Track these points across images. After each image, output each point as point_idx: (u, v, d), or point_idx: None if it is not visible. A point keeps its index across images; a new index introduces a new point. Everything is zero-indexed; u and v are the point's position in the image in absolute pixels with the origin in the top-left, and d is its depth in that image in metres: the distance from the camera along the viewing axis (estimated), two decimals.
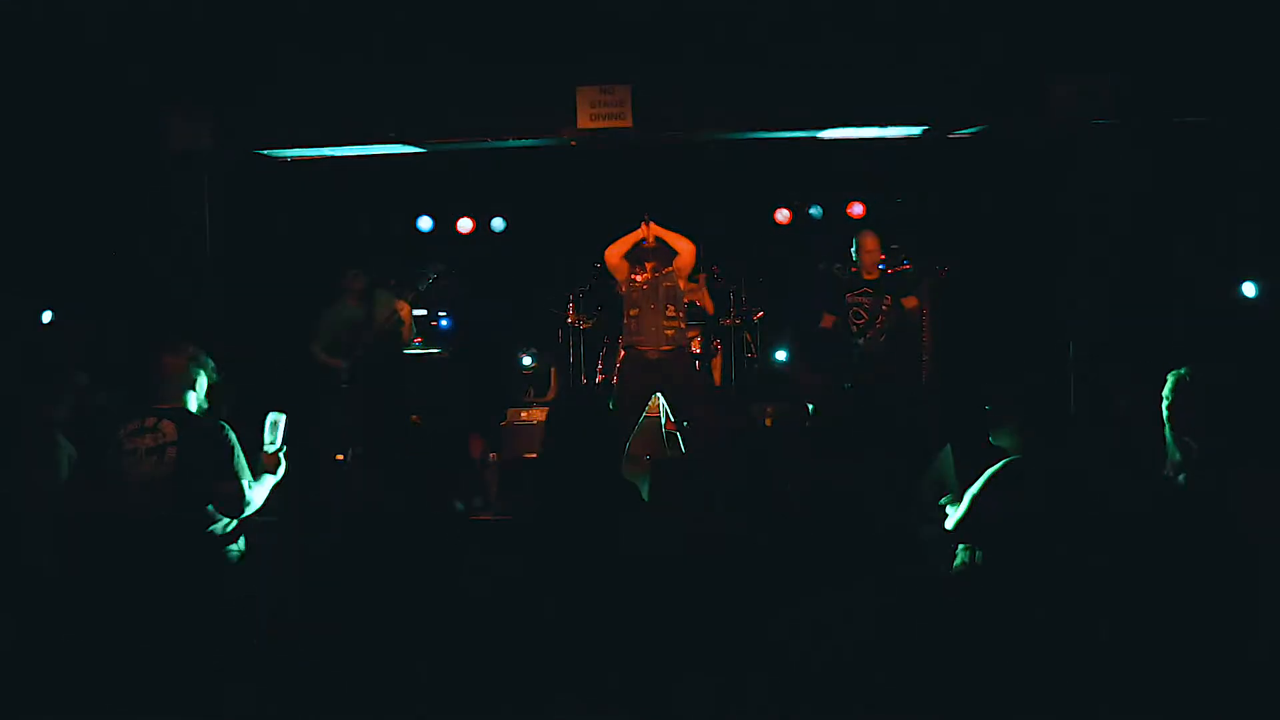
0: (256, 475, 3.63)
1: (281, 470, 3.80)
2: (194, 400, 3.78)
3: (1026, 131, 5.58)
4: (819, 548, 3.36)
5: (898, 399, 6.42)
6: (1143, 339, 5.13)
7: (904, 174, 8.55)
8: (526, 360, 9.23)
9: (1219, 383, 3.35)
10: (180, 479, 3.31)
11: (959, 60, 5.37)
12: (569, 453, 3.66)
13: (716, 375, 8.86)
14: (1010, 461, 3.45)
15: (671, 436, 6.66)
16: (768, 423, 6.64)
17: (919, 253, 7.28)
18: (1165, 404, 3.42)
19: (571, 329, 8.87)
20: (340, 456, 6.02)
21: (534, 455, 6.83)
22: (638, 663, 3.46)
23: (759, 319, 8.93)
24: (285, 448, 3.80)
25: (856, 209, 8.77)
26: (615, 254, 6.30)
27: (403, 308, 6.52)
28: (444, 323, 8.73)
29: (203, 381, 3.79)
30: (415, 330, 8.06)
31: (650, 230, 6.22)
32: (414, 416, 7.43)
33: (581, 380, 8.72)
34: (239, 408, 4.51)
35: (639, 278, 6.30)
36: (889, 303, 6.40)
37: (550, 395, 8.79)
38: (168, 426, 3.40)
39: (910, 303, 6.38)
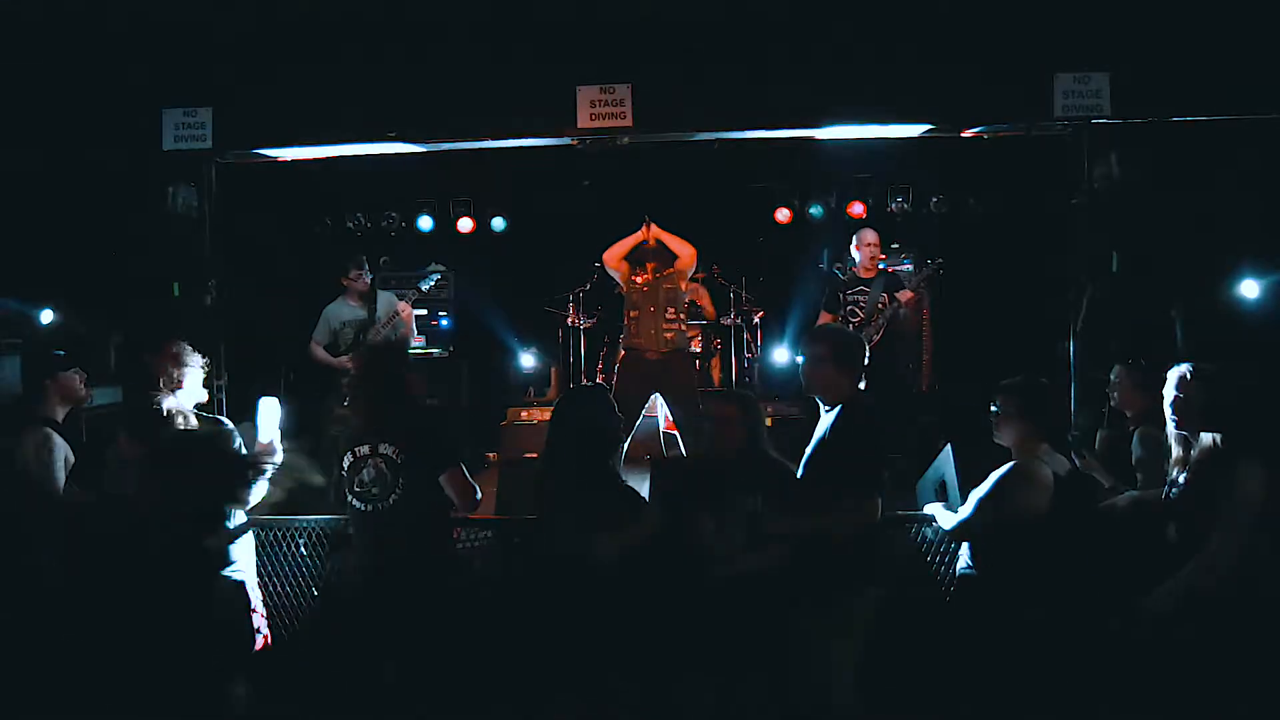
0: (255, 465, 3.64)
1: (279, 457, 3.79)
2: (189, 399, 3.78)
3: (1026, 131, 5.57)
4: (820, 548, 3.36)
5: (898, 398, 6.44)
6: (1143, 339, 5.12)
7: (904, 174, 8.56)
8: (526, 360, 9.23)
9: (1221, 378, 3.35)
10: (184, 478, 3.30)
11: (959, 59, 5.36)
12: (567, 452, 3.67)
13: (716, 375, 8.87)
14: (1016, 464, 3.44)
15: (671, 437, 6.66)
16: (768, 422, 6.63)
17: (918, 252, 7.29)
18: (1168, 400, 3.42)
19: (571, 329, 8.88)
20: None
21: (534, 455, 6.83)
22: (637, 663, 3.46)
23: (759, 319, 8.94)
24: (280, 434, 3.80)
25: (856, 209, 8.78)
26: (615, 255, 6.30)
27: (404, 309, 6.52)
28: (444, 323, 8.74)
29: (196, 378, 3.79)
30: (415, 330, 8.08)
31: (651, 233, 6.22)
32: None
33: (581, 379, 8.73)
34: (239, 408, 4.52)
35: (639, 279, 6.30)
36: (886, 301, 6.41)
37: (550, 395, 8.80)
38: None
39: (905, 296, 6.38)
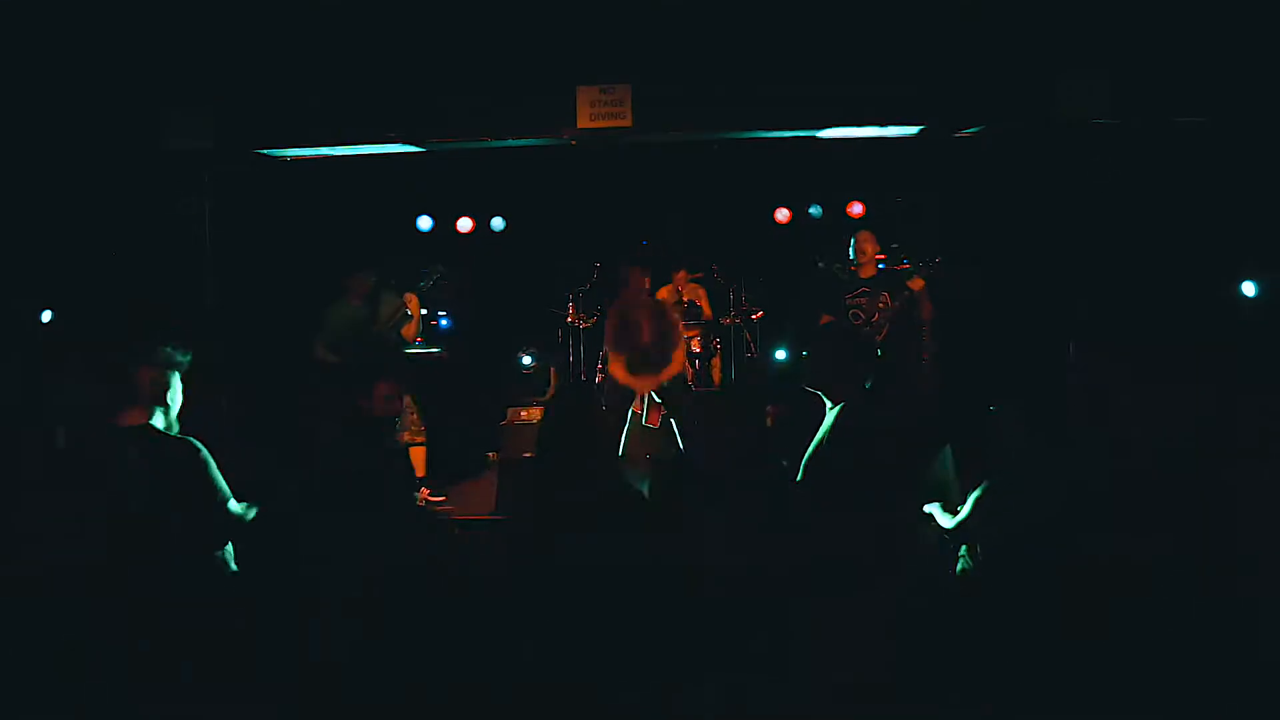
0: None
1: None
2: (166, 412, 3.76)
3: (1026, 131, 5.58)
4: (820, 549, 3.36)
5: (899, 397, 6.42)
6: (1143, 338, 5.13)
7: (904, 174, 8.56)
8: (526, 360, 9.23)
9: None
10: (156, 496, 3.28)
11: (959, 60, 5.37)
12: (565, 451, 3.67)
13: (716, 375, 8.87)
14: (1014, 467, 3.44)
15: (670, 437, 6.64)
16: (769, 422, 6.63)
17: (918, 251, 7.28)
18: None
19: (571, 329, 8.88)
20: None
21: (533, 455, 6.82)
22: (637, 662, 3.46)
23: (759, 319, 8.94)
24: None
25: (856, 209, 8.78)
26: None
27: (411, 300, 6.50)
28: (444, 323, 8.73)
29: (176, 390, 3.76)
30: (419, 328, 8.07)
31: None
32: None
33: (581, 378, 8.72)
34: (238, 406, 4.51)
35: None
36: (886, 301, 6.40)
37: (550, 395, 8.79)
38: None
39: (917, 284, 6.34)
